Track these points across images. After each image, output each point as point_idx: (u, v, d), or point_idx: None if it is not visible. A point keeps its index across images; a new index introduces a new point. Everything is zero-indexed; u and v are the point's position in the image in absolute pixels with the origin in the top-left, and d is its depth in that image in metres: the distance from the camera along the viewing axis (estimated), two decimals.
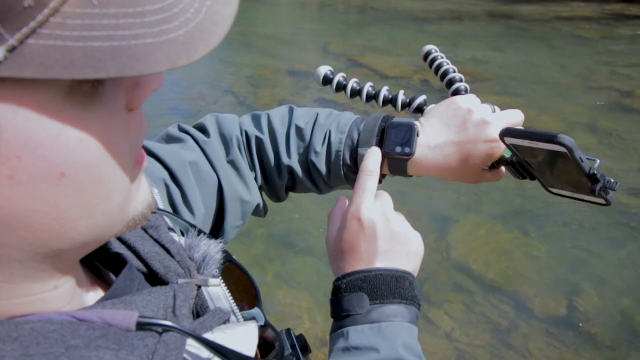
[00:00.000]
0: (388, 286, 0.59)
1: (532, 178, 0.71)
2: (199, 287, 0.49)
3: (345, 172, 0.72)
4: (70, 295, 0.38)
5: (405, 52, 6.78)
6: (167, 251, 0.49)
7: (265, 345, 0.50)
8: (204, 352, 0.40)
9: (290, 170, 0.74)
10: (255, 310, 0.53)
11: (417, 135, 0.69)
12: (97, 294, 0.44)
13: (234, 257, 0.57)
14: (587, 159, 0.64)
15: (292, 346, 0.54)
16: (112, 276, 0.46)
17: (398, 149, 0.68)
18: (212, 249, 0.52)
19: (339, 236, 0.63)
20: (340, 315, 0.60)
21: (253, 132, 0.75)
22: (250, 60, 6.38)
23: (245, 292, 0.55)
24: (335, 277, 0.63)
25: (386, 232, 0.61)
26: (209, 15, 0.30)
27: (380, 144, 0.69)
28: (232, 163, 0.73)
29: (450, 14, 9.13)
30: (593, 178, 0.65)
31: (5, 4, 0.24)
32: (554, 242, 3.12)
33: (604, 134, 4.41)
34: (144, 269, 0.48)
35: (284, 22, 9.31)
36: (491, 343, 2.40)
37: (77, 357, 0.31)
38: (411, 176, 0.72)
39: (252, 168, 0.76)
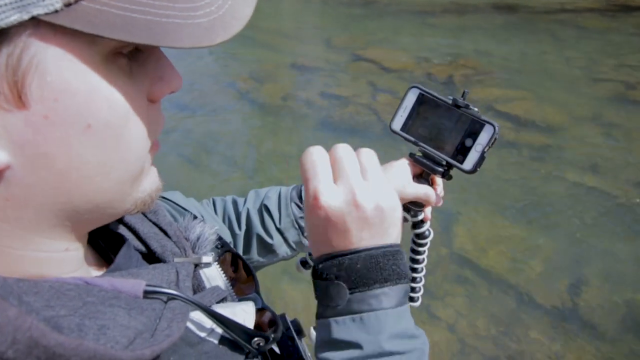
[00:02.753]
0: (368, 269, 0.50)
1: (443, 165, 0.75)
2: (196, 266, 0.51)
3: (294, 211, 0.79)
4: (78, 263, 0.41)
5: (409, 46, 6.76)
6: (165, 232, 0.52)
7: (259, 329, 0.51)
8: (206, 322, 0.42)
9: (247, 215, 0.82)
10: (253, 295, 0.56)
11: None
12: (100, 269, 0.47)
13: (231, 246, 0.60)
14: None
15: (287, 329, 0.56)
16: (112, 256, 0.49)
17: None
18: (206, 230, 0.55)
19: (308, 226, 0.55)
20: (320, 302, 0.54)
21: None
22: (254, 54, 6.37)
23: (244, 279, 0.58)
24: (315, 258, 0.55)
25: (358, 219, 0.50)
26: (229, 12, 0.35)
27: None
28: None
29: (453, 6, 9.08)
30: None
31: None
32: (557, 234, 3.12)
33: (608, 126, 4.40)
34: (143, 249, 0.51)
35: (287, 16, 9.28)
36: (494, 335, 2.42)
37: (93, 311, 0.34)
38: None
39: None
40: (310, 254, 0.80)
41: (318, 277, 0.53)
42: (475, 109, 0.72)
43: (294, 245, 0.84)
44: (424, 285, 0.81)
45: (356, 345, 0.50)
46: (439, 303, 2.61)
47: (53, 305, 0.33)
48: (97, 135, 0.34)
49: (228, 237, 0.79)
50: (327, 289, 0.51)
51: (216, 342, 0.43)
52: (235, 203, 0.86)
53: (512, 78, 5.56)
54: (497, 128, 0.69)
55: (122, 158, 0.37)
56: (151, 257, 0.51)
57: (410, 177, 0.76)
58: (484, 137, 0.70)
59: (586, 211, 3.31)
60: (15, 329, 0.29)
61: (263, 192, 0.85)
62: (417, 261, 0.81)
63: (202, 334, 0.42)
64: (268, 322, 0.52)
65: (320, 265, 0.52)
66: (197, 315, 0.42)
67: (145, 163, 0.40)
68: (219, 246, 0.57)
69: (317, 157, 0.52)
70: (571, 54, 6.29)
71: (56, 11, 0.30)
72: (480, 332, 2.43)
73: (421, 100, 0.75)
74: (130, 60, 0.37)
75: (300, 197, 0.81)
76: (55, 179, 0.34)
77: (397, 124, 0.77)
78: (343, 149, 0.53)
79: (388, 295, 0.51)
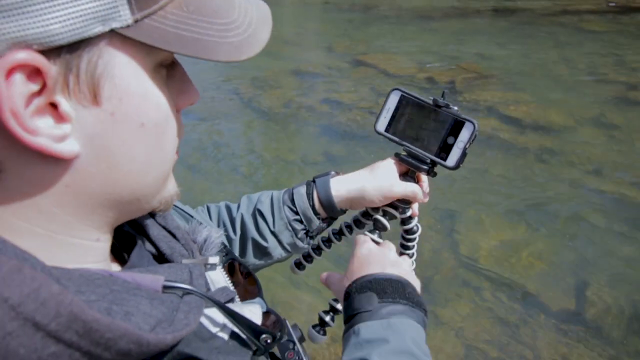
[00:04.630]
0: (395, 288, 0.65)
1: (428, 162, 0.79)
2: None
3: (287, 214, 0.84)
4: (103, 255, 0.45)
5: (410, 51, 6.78)
6: (173, 235, 0.56)
7: None
8: (218, 318, 0.46)
9: (241, 220, 0.86)
10: (257, 300, 0.59)
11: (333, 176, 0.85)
12: (117, 266, 0.51)
13: (234, 254, 0.64)
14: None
15: (288, 334, 0.58)
16: (125, 255, 0.53)
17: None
18: (213, 233, 0.60)
19: (352, 262, 0.73)
20: (351, 316, 0.64)
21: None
22: (255, 61, 6.39)
23: (248, 286, 0.62)
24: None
25: (393, 259, 0.72)
26: (252, 35, 0.43)
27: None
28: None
29: (454, 11, 9.11)
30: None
31: None
32: (561, 236, 3.12)
33: (611, 127, 4.39)
34: (153, 250, 0.55)
35: (288, 22, 9.32)
36: (500, 339, 2.41)
37: (120, 298, 0.37)
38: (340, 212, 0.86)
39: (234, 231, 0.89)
40: (305, 257, 0.89)
41: (351, 293, 0.66)
42: (455, 108, 0.75)
43: (288, 247, 0.86)
44: None
45: (383, 341, 0.59)
46: (444, 307, 2.60)
47: (84, 290, 0.36)
48: (147, 133, 0.41)
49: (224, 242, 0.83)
50: (359, 299, 0.64)
51: (226, 338, 0.46)
52: (228, 209, 0.89)
53: (514, 81, 5.57)
54: (476, 125, 0.73)
55: (161, 157, 0.43)
56: (160, 258, 0.55)
57: (397, 176, 0.81)
58: (464, 135, 0.73)
59: (590, 212, 3.30)
60: (58, 304, 0.32)
61: (255, 197, 0.89)
62: (407, 256, 0.84)
63: (214, 330, 0.45)
64: (272, 324, 0.55)
65: (355, 284, 0.66)
66: (210, 312, 0.45)
67: (171, 165, 0.47)
68: (225, 253, 0.61)
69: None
70: (573, 56, 6.29)
71: (128, 26, 0.37)
72: (485, 336, 2.43)
73: (403, 101, 0.79)
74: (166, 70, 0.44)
75: (292, 200, 0.84)
76: (110, 170, 0.40)
77: (381, 125, 0.81)
78: None
79: (411, 311, 0.63)
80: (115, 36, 0.37)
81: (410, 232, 0.85)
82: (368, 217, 0.85)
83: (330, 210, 0.83)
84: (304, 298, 2.63)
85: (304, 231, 0.85)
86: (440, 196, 3.53)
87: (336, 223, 0.90)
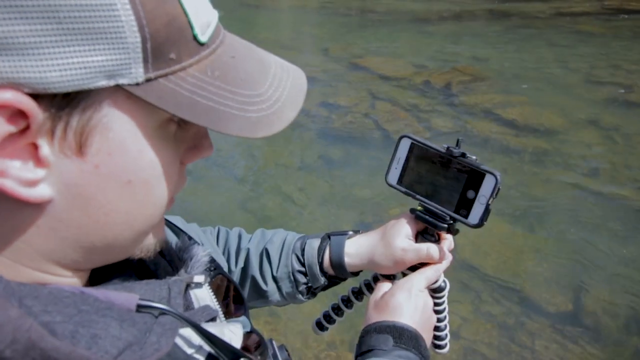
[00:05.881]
0: (411, 338, 0.67)
1: (446, 219, 0.73)
2: (187, 287, 0.52)
3: (293, 263, 0.80)
4: (78, 284, 0.43)
5: (407, 54, 6.80)
6: (159, 251, 0.53)
7: (246, 351, 0.51)
8: (195, 339, 0.43)
9: (247, 255, 0.83)
10: (242, 318, 0.57)
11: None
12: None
13: (223, 270, 0.61)
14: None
15: (274, 355, 0.57)
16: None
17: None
18: (199, 252, 0.56)
19: (385, 298, 0.73)
20: (365, 352, 0.67)
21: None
22: None
23: (234, 303, 0.60)
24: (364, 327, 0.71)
25: (423, 312, 0.72)
26: (276, 112, 0.40)
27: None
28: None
29: (450, 13, 9.14)
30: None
31: (159, 51, 0.34)
32: (560, 239, 3.12)
33: (607, 129, 4.41)
34: (135, 264, 0.52)
35: (284, 26, 9.35)
36: (498, 340, 2.41)
37: (87, 320, 0.35)
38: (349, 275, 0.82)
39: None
40: (326, 316, 0.84)
41: (370, 331, 0.68)
42: (474, 157, 0.68)
43: (286, 296, 0.83)
44: (449, 332, 0.80)
45: None
46: None
47: (50, 310, 0.34)
48: (133, 190, 0.38)
49: (224, 269, 0.79)
50: (377, 338, 0.67)
51: (203, 359, 0.44)
52: (239, 238, 0.86)
53: (509, 83, 5.59)
54: (499, 177, 0.66)
55: (147, 212, 0.41)
56: (144, 273, 0.52)
57: (411, 237, 0.76)
58: (486, 188, 0.66)
59: (587, 214, 3.31)
60: (15, 329, 0.30)
61: (269, 234, 0.86)
62: (439, 312, 0.77)
63: (190, 351, 0.43)
64: (255, 345, 0.53)
65: (377, 324, 0.69)
66: (186, 332, 0.43)
67: (160, 217, 0.44)
68: (212, 269, 0.58)
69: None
70: (568, 58, 6.32)
71: (137, 84, 0.34)
72: (484, 338, 2.43)
73: (414, 150, 0.72)
74: (177, 126, 0.41)
75: (302, 250, 0.80)
76: (85, 219, 0.37)
77: (393, 177, 0.74)
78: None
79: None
80: (119, 91, 0.34)
81: (437, 290, 0.77)
82: (390, 277, 0.79)
83: (340, 271, 0.79)
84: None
85: (306, 285, 0.81)
86: None
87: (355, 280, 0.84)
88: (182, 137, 0.42)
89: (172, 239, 0.63)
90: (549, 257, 2.96)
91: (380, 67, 6.15)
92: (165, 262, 0.53)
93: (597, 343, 2.37)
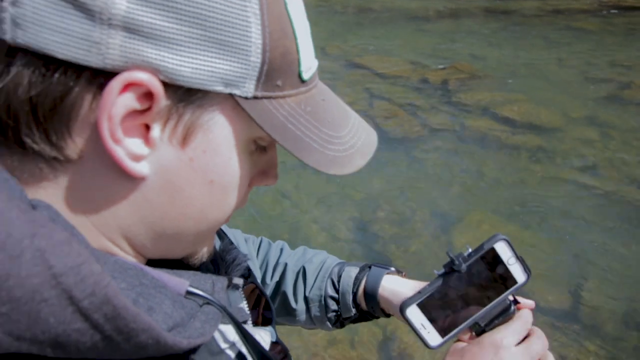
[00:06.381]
0: None
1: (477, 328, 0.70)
2: (227, 286, 0.54)
3: (327, 288, 0.80)
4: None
5: (404, 52, 6.80)
6: None
7: None
8: (230, 335, 0.46)
9: (284, 270, 0.84)
10: (269, 328, 0.59)
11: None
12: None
13: (257, 280, 0.64)
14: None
15: None
16: None
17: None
18: (240, 256, 0.61)
19: (469, 347, 0.65)
20: None
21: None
22: None
23: (262, 312, 0.62)
24: None
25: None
26: (348, 157, 0.45)
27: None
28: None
29: (447, 11, 9.14)
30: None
31: (270, 76, 0.40)
32: (556, 236, 3.13)
33: (603, 126, 4.42)
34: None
35: None
36: None
37: (146, 292, 0.38)
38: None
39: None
40: None
41: None
42: (469, 249, 0.67)
43: (314, 319, 0.82)
44: None
45: None
46: None
47: (116, 277, 0.38)
48: (212, 190, 0.42)
49: (258, 279, 0.80)
50: None
51: (233, 356, 0.46)
52: (281, 251, 0.87)
53: (506, 81, 5.60)
54: (501, 236, 0.65)
55: (216, 215, 0.45)
56: (187, 269, 0.55)
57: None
58: (505, 253, 0.66)
59: (584, 211, 3.32)
60: (96, 283, 0.33)
61: (310, 254, 0.86)
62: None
63: (224, 346, 0.45)
64: (280, 355, 0.56)
65: None
66: (223, 327, 0.46)
67: (217, 227, 0.47)
68: (247, 276, 0.62)
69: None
70: (565, 55, 6.33)
71: (246, 97, 0.39)
72: None
73: (424, 304, 0.68)
74: (257, 148, 0.46)
75: (339, 277, 0.80)
76: (167, 205, 0.41)
77: (432, 338, 0.68)
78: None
79: None
80: (230, 99, 0.39)
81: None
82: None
83: (371, 305, 0.77)
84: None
85: (335, 313, 0.80)
86: (434, 198, 3.55)
87: None
88: (257, 159, 0.46)
89: (216, 240, 0.65)
90: (546, 254, 2.97)
91: (377, 65, 6.15)
92: (209, 262, 0.55)
93: (595, 339, 2.38)
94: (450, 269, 0.67)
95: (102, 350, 0.35)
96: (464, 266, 0.66)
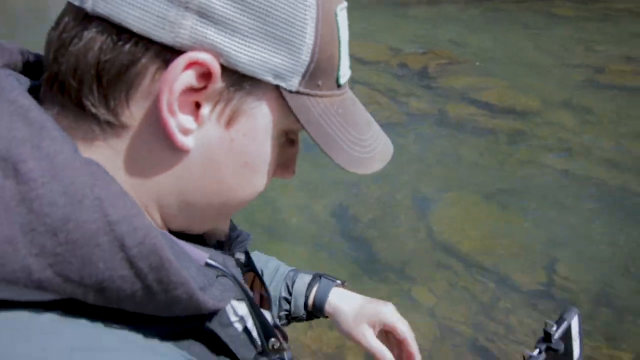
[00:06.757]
0: None
1: None
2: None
3: (282, 288, 0.89)
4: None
5: (384, 38, 6.79)
6: None
7: None
8: (240, 308, 0.49)
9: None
10: (267, 313, 0.61)
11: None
12: None
13: (256, 267, 0.68)
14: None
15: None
16: None
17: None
18: (244, 234, 0.65)
19: None
20: None
21: None
22: None
23: (262, 293, 0.67)
24: None
25: None
26: (370, 159, 0.49)
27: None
28: None
29: None
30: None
31: (314, 75, 0.44)
32: (533, 217, 3.18)
33: (580, 110, 4.49)
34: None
35: None
36: (473, 318, 2.45)
37: (178, 255, 0.40)
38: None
39: None
40: None
41: None
42: (555, 330, 0.69)
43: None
44: None
45: None
46: (419, 288, 2.64)
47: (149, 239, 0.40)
48: (244, 172, 0.46)
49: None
50: None
51: (240, 330, 0.49)
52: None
53: (486, 67, 5.64)
54: (575, 311, 0.69)
55: (241, 196, 0.48)
56: (196, 241, 0.58)
57: (376, 330, 0.85)
58: (575, 326, 0.70)
59: (560, 193, 3.38)
60: (146, 234, 0.36)
61: (264, 258, 0.94)
62: None
63: (233, 319, 0.48)
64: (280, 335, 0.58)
65: None
66: (234, 302, 0.48)
67: (238, 209, 0.50)
68: (248, 256, 0.66)
69: None
70: (543, 41, 6.39)
71: (290, 91, 0.43)
72: (459, 315, 2.47)
73: None
74: (287, 141, 0.50)
75: (294, 281, 0.89)
76: (203, 179, 0.44)
77: None
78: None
79: None
80: (275, 90, 0.43)
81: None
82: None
83: (318, 310, 0.88)
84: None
85: (286, 312, 0.89)
86: (413, 180, 3.57)
87: None
88: (284, 151, 0.50)
89: None
90: (523, 236, 3.02)
91: (357, 50, 6.13)
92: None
93: None
94: (550, 349, 0.69)
95: (139, 301, 0.37)
96: (561, 348, 0.68)
